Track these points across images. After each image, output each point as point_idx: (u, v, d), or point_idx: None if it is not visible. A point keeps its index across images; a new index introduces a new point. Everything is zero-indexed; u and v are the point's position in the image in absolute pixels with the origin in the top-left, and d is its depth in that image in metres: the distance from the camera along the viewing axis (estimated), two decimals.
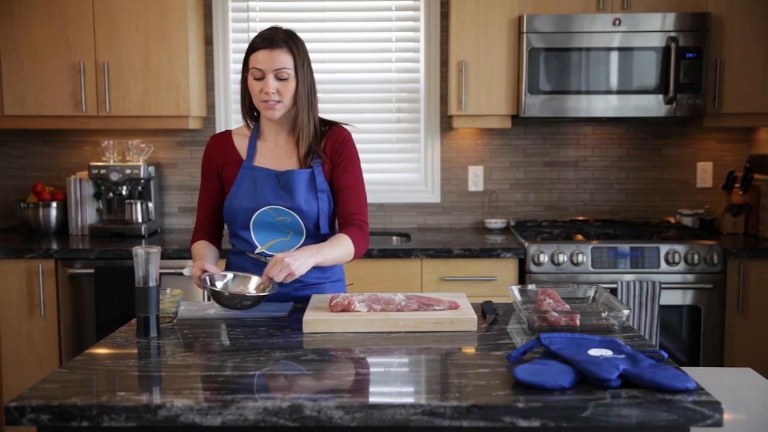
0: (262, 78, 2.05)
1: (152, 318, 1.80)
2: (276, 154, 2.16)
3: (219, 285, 2.02)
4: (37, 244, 3.35)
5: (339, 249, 2.06)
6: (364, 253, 2.58)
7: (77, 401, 1.37)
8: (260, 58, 2.04)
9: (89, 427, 1.37)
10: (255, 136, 2.19)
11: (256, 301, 1.97)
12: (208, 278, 1.99)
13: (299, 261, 1.94)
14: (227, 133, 2.22)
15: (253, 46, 2.06)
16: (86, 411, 1.35)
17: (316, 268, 2.15)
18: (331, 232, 2.18)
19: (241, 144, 2.19)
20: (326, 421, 1.35)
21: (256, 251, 2.15)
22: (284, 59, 2.04)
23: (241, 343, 1.76)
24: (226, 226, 2.26)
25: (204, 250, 2.17)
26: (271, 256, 2.12)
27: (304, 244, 2.14)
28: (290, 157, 2.16)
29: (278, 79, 2.05)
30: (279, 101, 2.06)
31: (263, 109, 2.08)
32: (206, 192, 2.23)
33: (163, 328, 1.88)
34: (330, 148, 2.15)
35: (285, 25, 2.14)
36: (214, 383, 1.49)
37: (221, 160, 2.19)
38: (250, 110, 2.19)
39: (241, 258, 2.19)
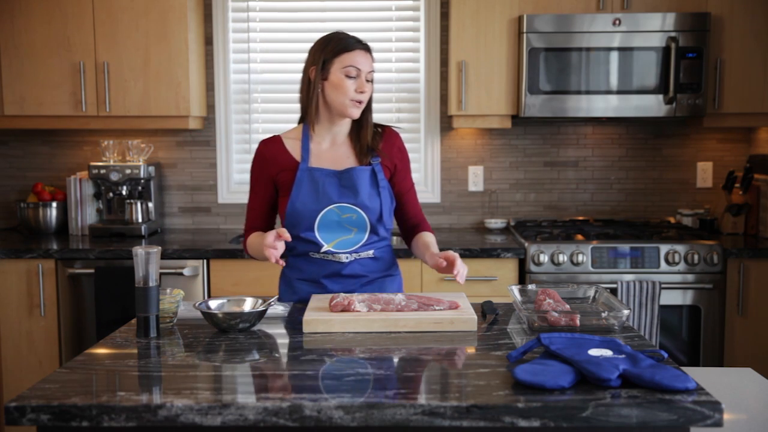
0: (355, 77, 2.10)
1: (152, 318, 1.80)
2: (333, 155, 2.19)
3: (213, 305, 1.93)
4: (37, 244, 3.35)
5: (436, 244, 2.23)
6: None
7: (77, 401, 1.37)
8: (358, 58, 2.10)
9: (89, 427, 1.38)
10: (307, 137, 2.19)
11: (254, 318, 1.87)
12: (204, 305, 1.92)
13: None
14: (277, 138, 2.23)
15: (348, 46, 2.11)
16: (86, 411, 1.35)
17: (380, 263, 2.22)
18: (393, 227, 2.26)
19: (293, 147, 2.20)
20: (326, 421, 1.35)
21: (322, 250, 2.15)
22: (372, 64, 2.15)
23: (241, 343, 1.76)
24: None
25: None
26: (338, 253, 2.15)
27: (367, 241, 2.17)
28: (348, 157, 2.19)
29: (367, 81, 2.13)
30: (364, 101, 2.14)
31: (348, 107, 2.11)
32: (258, 198, 2.23)
33: (163, 328, 1.88)
34: (387, 149, 2.21)
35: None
36: (214, 383, 1.49)
37: (276, 166, 2.18)
38: (311, 109, 2.18)
39: (304, 260, 2.20)
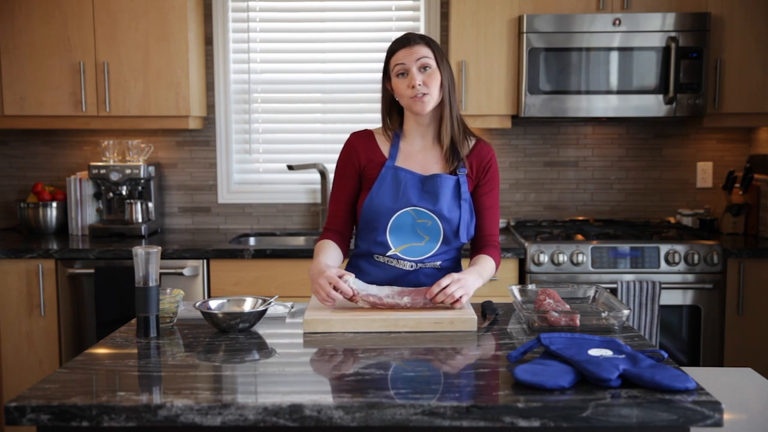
0: (405, 74, 2.05)
1: (152, 318, 1.80)
2: (421, 158, 2.14)
3: (213, 305, 1.94)
4: (37, 244, 3.35)
5: (490, 271, 2.10)
6: None
7: (77, 401, 1.37)
8: (400, 55, 2.05)
9: (89, 427, 1.38)
10: (398, 137, 2.16)
11: (254, 318, 1.88)
12: (204, 305, 1.93)
13: (471, 284, 1.94)
14: (369, 132, 2.19)
15: (392, 49, 2.09)
16: (86, 411, 1.35)
17: (444, 274, 2.12)
18: (467, 242, 2.17)
19: (383, 144, 2.16)
20: (326, 421, 1.35)
21: (388, 253, 2.10)
22: (424, 51, 2.05)
23: (241, 343, 1.76)
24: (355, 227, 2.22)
25: (326, 250, 2.10)
26: (403, 259, 2.10)
27: (437, 251, 2.11)
28: (436, 162, 2.13)
29: (421, 71, 2.04)
30: (426, 93, 2.04)
31: (412, 105, 2.05)
32: (342, 189, 2.17)
33: (163, 328, 1.88)
34: (476, 163, 2.14)
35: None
36: (214, 383, 1.49)
37: (365, 158, 2.14)
38: (389, 116, 2.17)
39: (367, 261, 2.15)
